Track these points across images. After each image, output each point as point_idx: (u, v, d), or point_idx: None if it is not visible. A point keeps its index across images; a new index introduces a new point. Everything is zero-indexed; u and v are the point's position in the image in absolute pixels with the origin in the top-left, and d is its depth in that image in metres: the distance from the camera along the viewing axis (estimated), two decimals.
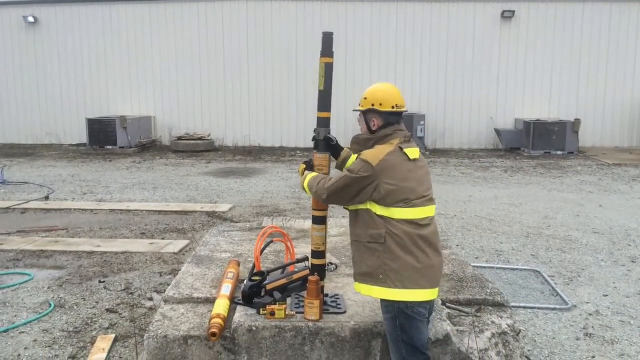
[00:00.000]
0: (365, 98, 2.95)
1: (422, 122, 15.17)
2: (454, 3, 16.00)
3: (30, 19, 16.86)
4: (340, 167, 3.33)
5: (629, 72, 15.95)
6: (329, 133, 3.23)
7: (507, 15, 15.80)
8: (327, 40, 3.14)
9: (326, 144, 3.23)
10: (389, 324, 2.83)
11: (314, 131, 3.25)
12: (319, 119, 3.21)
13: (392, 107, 2.90)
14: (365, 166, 2.77)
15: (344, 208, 3.00)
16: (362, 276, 2.86)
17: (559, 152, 14.65)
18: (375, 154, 2.82)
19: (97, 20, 16.86)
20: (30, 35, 17.13)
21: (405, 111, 3.03)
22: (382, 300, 2.85)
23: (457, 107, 16.19)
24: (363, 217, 2.85)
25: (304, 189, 3.15)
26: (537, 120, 15.20)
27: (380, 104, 2.90)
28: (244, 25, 16.46)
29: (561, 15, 15.88)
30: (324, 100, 3.19)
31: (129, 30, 16.80)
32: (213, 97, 16.80)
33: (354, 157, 3.26)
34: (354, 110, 3.07)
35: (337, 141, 3.29)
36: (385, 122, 2.92)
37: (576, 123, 14.73)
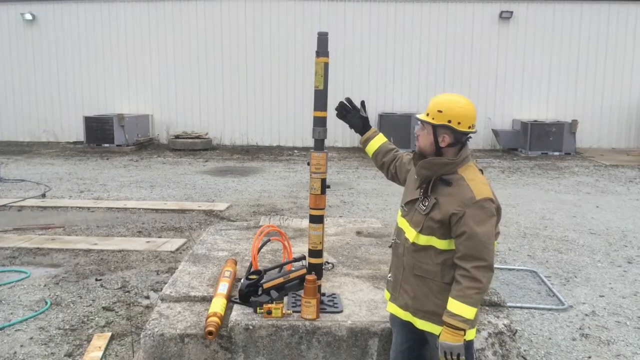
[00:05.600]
0: (440, 111, 2.59)
1: (419, 123, 15.12)
2: (453, 3, 16.01)
3: (28, 16, 16.80)
4: (364, 145, 3.14)
5: (627, 74, 15.97)
6: (362, 104, 3.13)
7: (506, 16, 15.81)
8: (323, 40, 3.16)
9: (362, 108, 3.10)
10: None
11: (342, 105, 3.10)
12: (315, 118, 3.23)
13: (469, 127, 2.58)
14: (492, 204, 2.52)
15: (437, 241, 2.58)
16: (432, 315, 2.62)
17: (557, 153, 14.67)
18: (483, 186, 2.53)
19: (95, 18, 16.82)
20: (28, 33, 17.06)
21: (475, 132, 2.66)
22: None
23: None
24: (444, 256, 2.58)
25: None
26: (535, 121, 15.23)
27: (459, 123, 2.55)
28: (243, 24, 16.44)
29: (559, 16, 15.90)
30: (321, 99, 3.20)
31: (127, 28, 16.76)
32: (211, 96, 16.78)
33: (381, 138, 3.10)
34: (418, 118, 2.74)
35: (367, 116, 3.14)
36: (455, 141, 2.59)
37: (574, 124, 14.77)
